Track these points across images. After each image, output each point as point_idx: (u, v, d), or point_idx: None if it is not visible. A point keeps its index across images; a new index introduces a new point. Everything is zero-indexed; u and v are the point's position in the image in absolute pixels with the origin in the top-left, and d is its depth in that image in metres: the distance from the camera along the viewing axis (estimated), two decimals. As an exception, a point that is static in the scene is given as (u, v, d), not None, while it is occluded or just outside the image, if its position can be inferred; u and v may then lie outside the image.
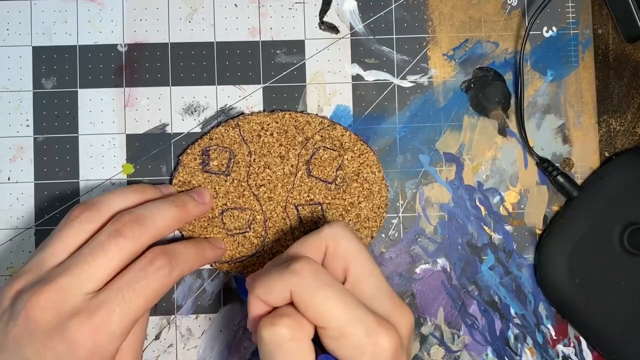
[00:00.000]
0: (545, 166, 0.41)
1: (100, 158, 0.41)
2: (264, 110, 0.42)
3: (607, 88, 0.43)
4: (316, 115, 0.41)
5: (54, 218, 0.41)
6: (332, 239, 0.33)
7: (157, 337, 0.41)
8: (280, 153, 0.41)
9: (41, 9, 0.41)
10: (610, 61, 0.43)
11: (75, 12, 0.42)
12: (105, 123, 0.41)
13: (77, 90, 0.41)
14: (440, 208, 0.42)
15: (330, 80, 0.42)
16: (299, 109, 0.42)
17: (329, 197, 0.41)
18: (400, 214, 0.42)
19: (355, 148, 0.41)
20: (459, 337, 0.42)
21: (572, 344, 0.42)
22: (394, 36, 0.42)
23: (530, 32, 0.41)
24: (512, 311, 0.42)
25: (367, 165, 0.41)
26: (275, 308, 0.31)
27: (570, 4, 0.43)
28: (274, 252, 0.40)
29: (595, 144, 0.42)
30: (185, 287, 0.41)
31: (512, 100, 0.42)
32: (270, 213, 0.40)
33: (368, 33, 0.42)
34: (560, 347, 0.42)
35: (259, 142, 0.41)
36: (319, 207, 0.41)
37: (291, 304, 0.31)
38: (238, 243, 0.40)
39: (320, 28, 0.42)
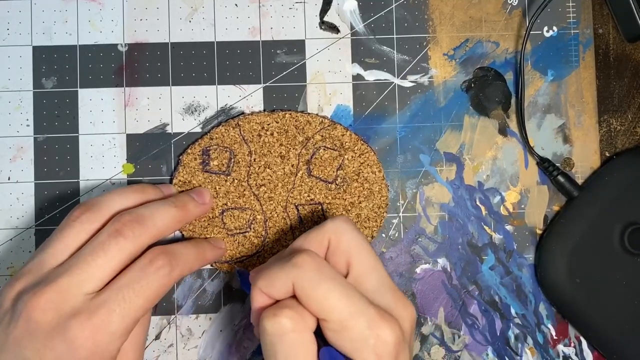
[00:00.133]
0: (545, 166, 0.41)
1: (101, 158, 0.41)
2: (264, 110, 0.42)
3: (608, 88, 0.43)
4: (316, 115, 0.41)
5: (54, 218, 0.41)
6: (335, 233, 0.33)
7: (157, 337, 0.41)
8: (281, 153, 0.41)
9: (41, 9, 0.41)
10: (611, 61, 0.43)
11: (75, 11, 0.42)
12: (106, 123, 0.41)
13: (77, 90, 0.41)
14: (440, 208, 0.42)
15: (331, 80, 0.42)
16: (299, 109, 0.42)
17: (330, 197, 0.41)
18: (400, 214, 0.42)
19: (356, 148, 0.41)
20: (459, 337, 0.42)
21: (572, 344, 0.42)
22: (395, 36, 0.42)
23: (530, 32, 0.41)
24: (513, 311, 0.42)
25: (368, 165, 0.41)
26: (278, 301, 0.31)
27: (570, 4, 0.43)
28: (275, 252, 0.40)
29: (596, 144, 0.42)
30: (186, 287, 0.41)
31: (513, 100, 0.42)
32: (271, 213, 0.40)
33: (368, 33, 0.42)
34: (560, 347, 0.42)
35: (259, 141, 0.41)
36: (320, 207, 0.41)
37: (294, 296, 0.31)
38: (238, 243, 0.40)
39: (321, 28, 0.42)
